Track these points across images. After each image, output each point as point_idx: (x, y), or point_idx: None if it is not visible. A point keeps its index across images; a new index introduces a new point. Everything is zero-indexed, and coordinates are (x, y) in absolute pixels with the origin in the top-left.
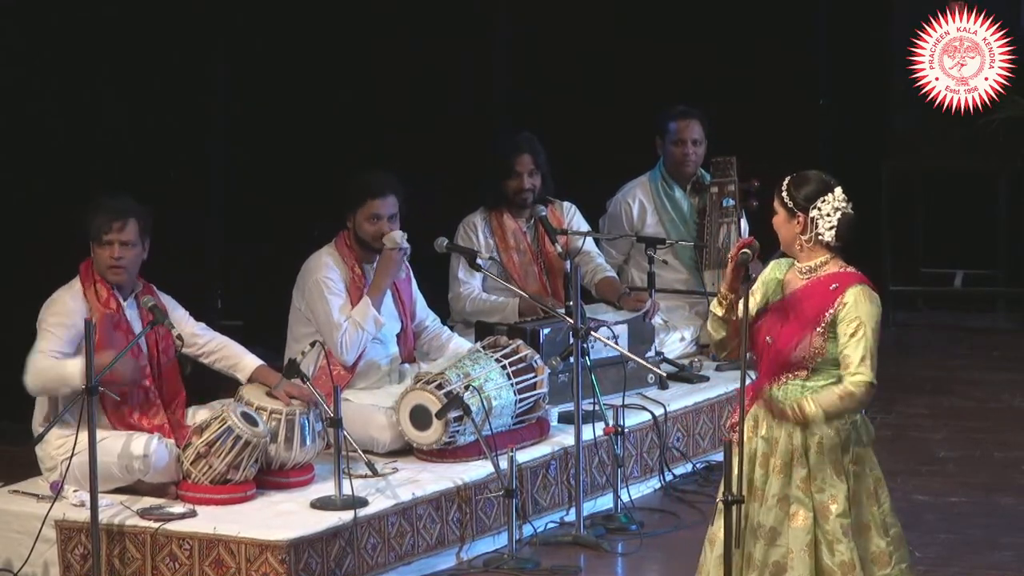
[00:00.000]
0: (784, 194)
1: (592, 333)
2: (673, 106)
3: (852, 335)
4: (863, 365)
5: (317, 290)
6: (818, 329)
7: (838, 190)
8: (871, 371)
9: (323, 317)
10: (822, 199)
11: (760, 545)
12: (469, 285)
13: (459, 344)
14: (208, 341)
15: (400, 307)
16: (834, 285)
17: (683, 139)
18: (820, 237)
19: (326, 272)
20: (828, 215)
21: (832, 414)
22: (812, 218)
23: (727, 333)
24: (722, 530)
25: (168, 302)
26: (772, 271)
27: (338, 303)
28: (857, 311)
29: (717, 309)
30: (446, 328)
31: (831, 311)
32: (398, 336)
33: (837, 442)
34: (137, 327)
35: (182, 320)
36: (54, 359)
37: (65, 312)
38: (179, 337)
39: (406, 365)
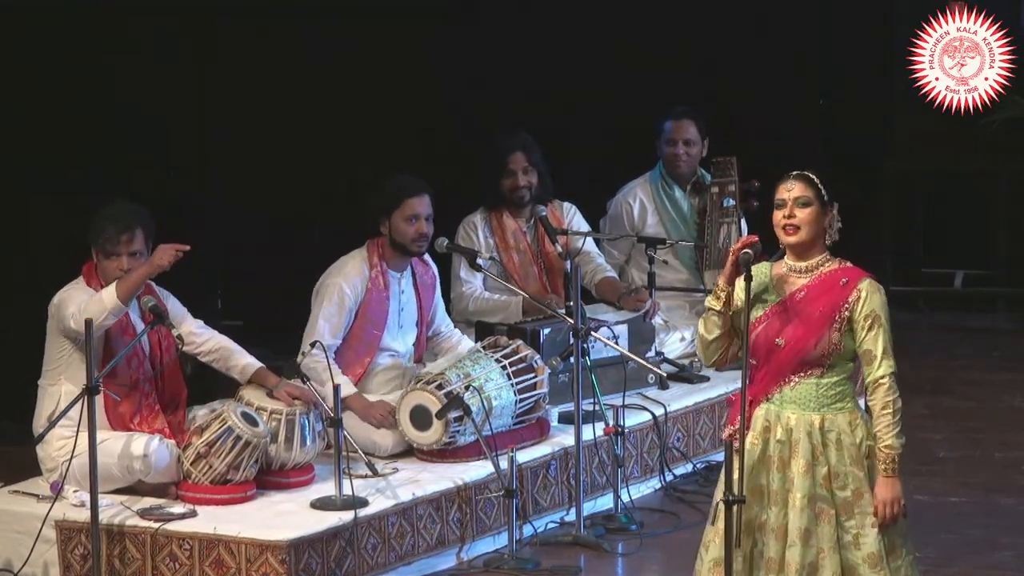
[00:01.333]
0: (820, 185)
1: (592, 333)
2: (671, 106)
3: (870, 329)
4: (886, 357)
5: (326, 292)
6: (835, 324)
7: None
8: (892, 360)
9: (312, 316)
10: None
11: (797, 549)
12: (471, 284)
13: (468, 346)
14: (206, 340)
15: (420, 314)
16: (844, 280)
17: (675, 139)
18: (835, 231)
19: (348, 284)
20: (837, 214)
21: (899, 424)
22: (835, 213)
23: (721, 332)
24: (711, 532)
25: (167, 299)
26: (755, 276)
27: (332, 316)
28: (872, 305)
29: (714, 303)
30: (457, 331)
31: (847, 306)
32: (413, 344)
33: (854, 439)
34: (140, 329)
35: (180, 318)
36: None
37: (81, 293)
38: (179, 337)
39: (415, 367)
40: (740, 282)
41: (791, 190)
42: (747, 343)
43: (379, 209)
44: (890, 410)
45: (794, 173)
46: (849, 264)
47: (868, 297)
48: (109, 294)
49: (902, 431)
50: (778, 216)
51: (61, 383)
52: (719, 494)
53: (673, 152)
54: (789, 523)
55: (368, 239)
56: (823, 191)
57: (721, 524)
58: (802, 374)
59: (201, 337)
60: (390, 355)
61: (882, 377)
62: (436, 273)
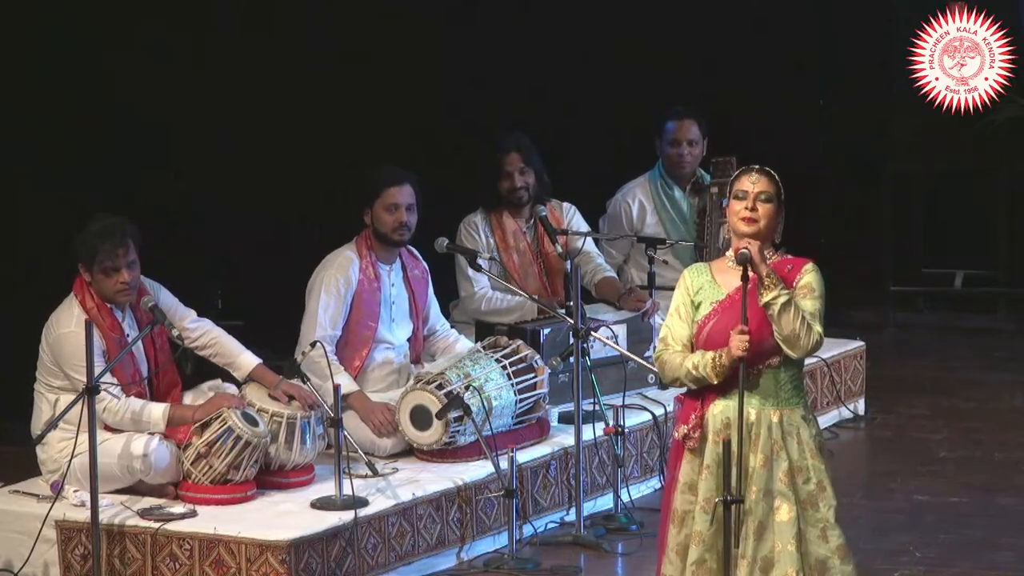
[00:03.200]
0: (780, 185)
1: (592, 333)
2: (671, 106)
3: (805, 297)
4: (815, 319)
5: (322, 285)
6: None
7: None
8: (822, 326)
9: (310, 309)
10: None
11: (750, 542)
12: (482, 284)
13: (466, 347)
14: (201, 334)
15: (414, 309)
16: (789, 267)
17: (678, 139)
18: (780, 232)
19: (341, 274)
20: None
21: (789, 319)
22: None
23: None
24: (681, 535)
25: (158, 291)
26: (694, 277)
27: (330, 306)
28: (808, 279)
29: (711, 375)
30: (453, 331)
31: (795, 288)
32: (408, 339)
33: (810, 432)
34: (135, 332)
35: (172, 310)
36: (123, 399)
37: (80, 343)
38: (179, 337)
39: (412, 366)
40: (683, 303)
41: (755, 183)
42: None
43: (361, 200)
44: (800, 319)
45: (757, 167)
46: (790, 256)
47: (807, 274)
48: (158, 419)
49: (779, 318)
50: (738, 206)
51: (58, 390)
52: (680, 499)
53: (677, 152)
54: (745, 516)
55: (336, 235)
56: (782, 191)
57: (699, 526)
58: (761, 365)
59: (196, 332)
60: (386, 347)
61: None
62: (427, 268)
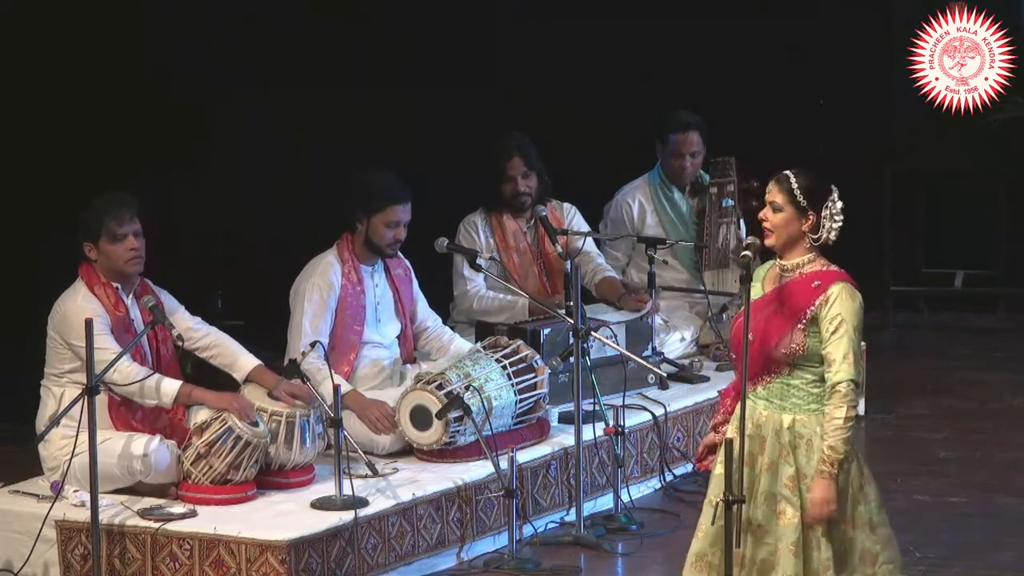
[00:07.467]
0: (797, 191)
1: (592, 333)
2: (674, 114)
3: (834, 332)
4: (845, 362)
5: (306, 294)
6: (799, 325)
7: (834, 188)
8: (853, 368)
9: (295, 319)
10: (831, 198)
11: (749, 542)
12: (475, 283)
13: (461, 345)
14: (204, 336)
15: (400, 307)
16: (816, 282)
17: (681, 152)
18: (825, 236)
19: (324, 281)
20: (836, 215)
21: (846, 431)
22: (823, 217)
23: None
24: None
25: (160, 294)
26: (756, 275)
27: (315, 315)
28: (839, 308)
29: None
30: (448, 329)
31: (813, 308)
32: (398, 337)
33: (822, 440)
34: (141, 327)
35: (178, 313)
36: (136, 370)
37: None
38: (179, 337)
39: (407, 366)
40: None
41: (770, 193)
42: (747, 346)
43: (360, 207)
44: (840, 416)
45: (780, 174)
46: (834, 268)
47: (837, 300)
48: (168, 393)
49: (849, 440)
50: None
51: (65, 384)
52: (712, 493)
53: (680, 164)
54: (748, 516)
55: (337, 238)
56: (799, 196)
57: (706, 522)
58: (771, 374)
59: (199, 333)
60: (374, 346)
61: (839, 383)
62: (409, 266)
